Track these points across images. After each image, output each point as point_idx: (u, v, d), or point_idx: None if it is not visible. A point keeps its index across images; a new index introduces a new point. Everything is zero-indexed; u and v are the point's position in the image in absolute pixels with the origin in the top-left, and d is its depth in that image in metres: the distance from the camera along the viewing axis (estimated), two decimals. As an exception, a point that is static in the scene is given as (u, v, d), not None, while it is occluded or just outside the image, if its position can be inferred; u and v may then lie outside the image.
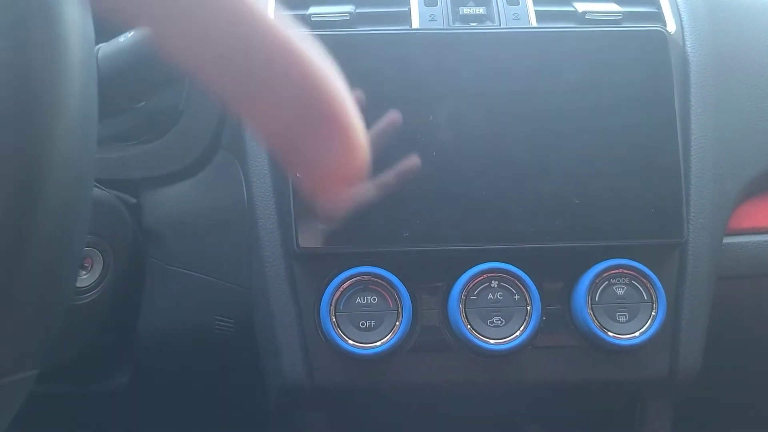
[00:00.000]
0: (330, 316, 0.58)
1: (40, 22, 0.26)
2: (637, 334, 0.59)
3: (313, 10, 0.64)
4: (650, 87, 0.60)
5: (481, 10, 0.66)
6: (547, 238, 0.59)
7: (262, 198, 0.61)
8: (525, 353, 0.60)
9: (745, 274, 0.66)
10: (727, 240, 0.64)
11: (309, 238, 0.59)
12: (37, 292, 0.43)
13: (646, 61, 0.60)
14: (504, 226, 0.59)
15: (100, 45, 0.59)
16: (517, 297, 0.59)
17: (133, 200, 0.66)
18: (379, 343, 0.58)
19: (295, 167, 0.23)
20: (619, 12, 0.65)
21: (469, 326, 0.58)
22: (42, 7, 0.25)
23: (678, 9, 0.67)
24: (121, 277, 0.63)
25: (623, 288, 0.59)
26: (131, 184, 0.66)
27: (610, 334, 0.58)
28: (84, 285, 0.61)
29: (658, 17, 0.67)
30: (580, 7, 0.65)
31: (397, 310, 0.58)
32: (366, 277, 0.58)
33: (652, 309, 0.59)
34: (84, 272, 0.61)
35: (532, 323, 0.58)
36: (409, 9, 0.65)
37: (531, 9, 0.65)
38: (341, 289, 0.58)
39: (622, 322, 0.59)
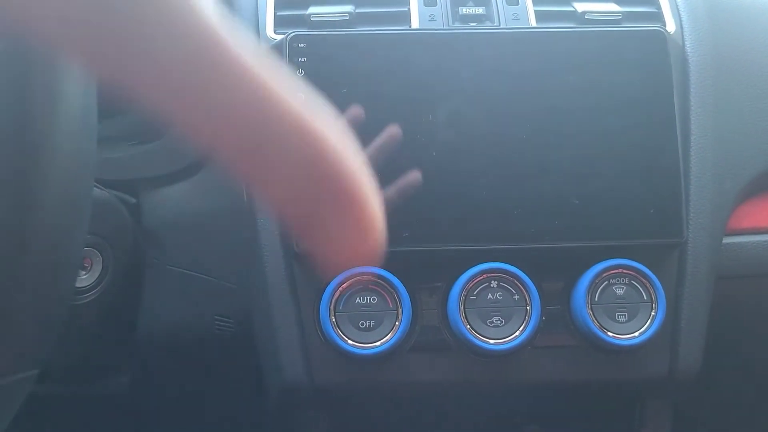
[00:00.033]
0: (329, 316, 0.58)
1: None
2: (636, 334, 0.59)
3: (312, 10, 0.64)
4: (650, 87, 0.60)
5: (480, 10, 0.66)
6: (547, 238, 0.59)
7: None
8: (524, 353, 0.60)
9: (744, 274, 0.66)
10: (726, 240, 0.64)
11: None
12: (37, 293, 0.43)
13: (646, 61, 0.60)
14: (503, 226, 0.59)
15: None
16: (516, 297, 0.59)
17: (133, 200, 0.66)
18: (378, 343, 0.58)
19: (308, 241, 0.22)
20: (618, 12, 0.65)
21: (468, 326, 0.58)
22: None
23: (677, 9, 0.67)
24: (121, 277, 0.63)
25: (623, 288, 0.59)
26: (131, 184, 0.66)
27: (610, 334, 0.58)
28: (84, 285, 0.61)
29: (658, 17, 0.67)
30: (580, 7, 0.65)
31: (397, 310, 0.58)
32: (365, 277, 0.58)
33: (652, 309, 0.59)
34: (84, 272, 0.61)
35: (532, 323, 0.58)
36: (409, 9, 0.65)
37: (530, 9, 0.65)
38: (341, 289, 0.58)
39: (621, 322, 0.59)
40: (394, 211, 0.57)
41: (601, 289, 0.59)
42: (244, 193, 0.63)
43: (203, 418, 0.85)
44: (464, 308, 0.58)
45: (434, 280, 0.60)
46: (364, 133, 0.57)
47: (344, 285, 0.58)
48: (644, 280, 0.59)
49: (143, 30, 0.18)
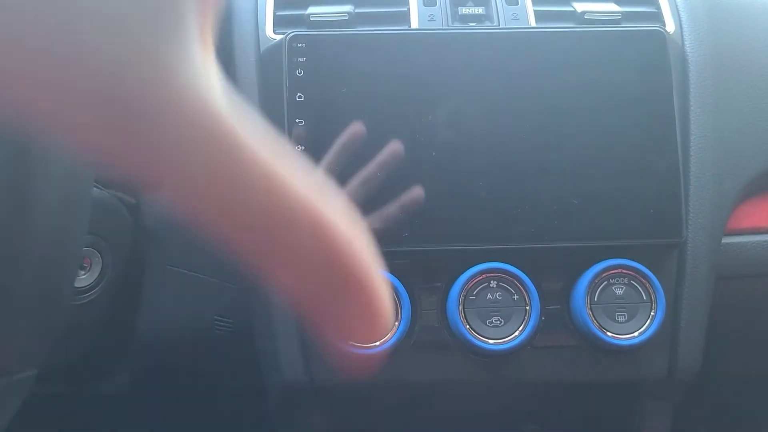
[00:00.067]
0: (329, 316, 0.58)
1: None
2: (636, 334, 0.58)
3: (312, 10, 0.64)
4: (649, 87, 0.60)
5: (480, 10, 0.66)
6: (546, 239, 0.59)
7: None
8: (524, 353, 0.60)
9: (744, 274, 0.66)
10: (726, 240, 0.64)
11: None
12: (36, 293, 0.43)
13: (645, 61, 0.60)
14: (503, 226, 0.59)
15: None
16: (516, 297, 0.59)
17: (133, 200, 0.66)
18: (377, 343, 0.57)
19: (316, 326, 0.23)
20: (618, 12, 0.65)
21: (468, 326, 0.58)
22: None
23: (677, 9, 0.67)
24: (121, 277, 0.63)
25: (622, 288, 0.59)
26: (131, 184, 0.66)
27: (609, 334, 0.58)
28: (83, 285, 0.61)
29: (657, 17, 0.67)
30: (579, 7, 0.65)
31: (396, 310, 0.58)
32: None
33: (651, 309, 0.59)
34: (83, 272, 0.61)
35: (531, 323, 0.58)
36: (408, 9, 0.65)
37: (530, 9, 0.65)
38: (340, 289, 0.58)
39: (621, 322, 0.59)
40: (393, 212, 0.57)
41: (601, 289, 0.59)
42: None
43: (203, 418, 0.85)
44: (464, 308, 0.59)
45: (434, 280, 0.60)
46: (364, 134, 0.58)
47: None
48: (644, 280, 0.59)
49: (154, 126, 0.18)
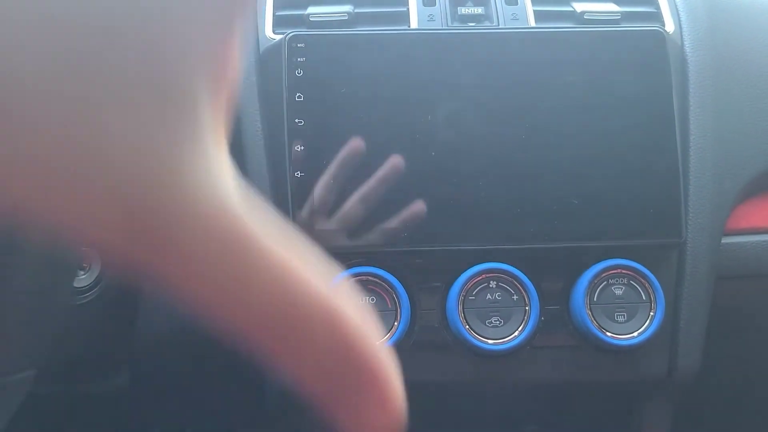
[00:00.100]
0: (328, 316, 0.58)
1: None
2: (635, 334, 0.58)
3: (311, 10, 0.64)
4: (649, 87, 0.60)
5: (479, 10, 0.66)
6: (546, 239, 0.59)
7: (259, 198, 0.61)
8: (523, 353, 0.60)
9: (744, 274, 0.66)
10: (725, 240, 0.64)
11: (307, 239, 0.59)
12: (34, 293, 0.43)
13: (645, 61, 0.60)
14: (502, 226, 0.59)
15: None
16: (515, 297, 0.59)
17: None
18: (377, 344, 0.57)
19: (329, 416, 0.23)
20: (617, 12, 0.65)
21: (467, 326, 0.58)
22: None
23: (676, 9, 0.67)
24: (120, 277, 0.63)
25: (622, 288, 0.59)
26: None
27: (609, 334, 0.58)
28: (83, 285, 0.61)
29: (657, 17, 0.67)
30: (579, 7, 0.65)
31: (396, 310, 0.58)
32: (365, 278, 0.58)
33: (651, 309, 0.59)
34: (83, 272, 0.61)
35: (531, 323, 0.58)
36: (408, 9, 0.65)
37: (529, 9, 0.65)
38: (340, 289, 0.58)
39: (620, 323, 0.59)
40: (393, 212, 0.57)
41: (600, 289, 0.59)
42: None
43: (203, 418, 0.85)
44: (463, 308, 0.59)
45: (433, 280, 0.60)
46: (364, 135, 0.57)
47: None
48: (643, 281, 0.59)
49: (169, 229, 0.18)
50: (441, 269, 0.60)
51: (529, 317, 0.58)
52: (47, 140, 0.16)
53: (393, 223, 0.58)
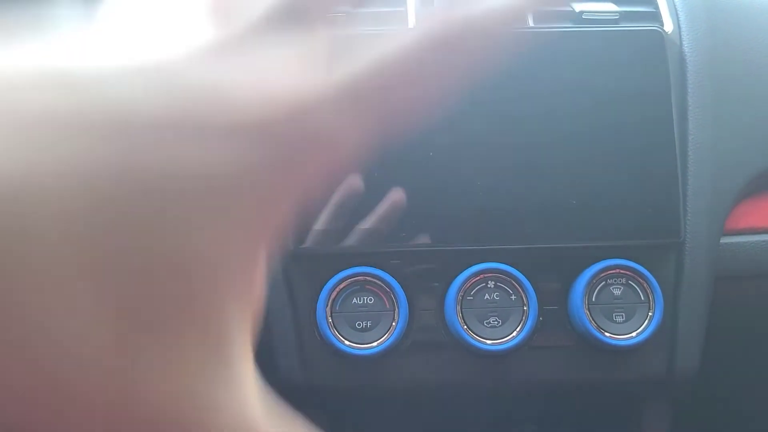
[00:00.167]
0: (326, 316, 0.58)
1: None
2: (634, 334, 0.58)
3: (309, 10, 0.64)
4: (647, 87, 0.60)
5: (478, 10, 0.65)
6: (544, 239, 0.59)
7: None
8: (522, 353, 0.60)
9: (743, 274, 0.66)
10: (724, 240, 0.64)
11: (305, 239, 0.59)
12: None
13: (643, 61, 0.60)
14: (500, 226, 0.59)
15: None
16: (513, 297, 0.59)
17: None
18: (375, 344, 0.58)
19: None
20: (616, 12, 0.65)
21: (465, 326, 0.58)
22: None
23: (675, 9, 0.67)
24: None
25: (620, 288, 0.59)
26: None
27: (607, 334, 0.58)
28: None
29: (656, 17, 0.66)
30: (578, 6, 0.65)
31: (394, 310, 0.58)
32: (362, 278, 0.58)
33: (649, 309, 0.59)
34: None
35: (529, 323, 0.58)
36: (406, 9, 0.65)
37: (528, 9, 0.65)
38: (337, 289, 0.58)
39: (619, 323, 0.59)
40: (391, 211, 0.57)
41: (599, 290, 0.59)
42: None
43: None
44: (461, 308, 0.58)
45: (431, 280, 0.60)
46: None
47: (341, 285, 0.58)
48: (641, 281, 0.59)
49: None
50: (439, 269, 0.60)
51: (527, 317, 0.58)
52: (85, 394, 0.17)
53: (391, 223, 0.58)
